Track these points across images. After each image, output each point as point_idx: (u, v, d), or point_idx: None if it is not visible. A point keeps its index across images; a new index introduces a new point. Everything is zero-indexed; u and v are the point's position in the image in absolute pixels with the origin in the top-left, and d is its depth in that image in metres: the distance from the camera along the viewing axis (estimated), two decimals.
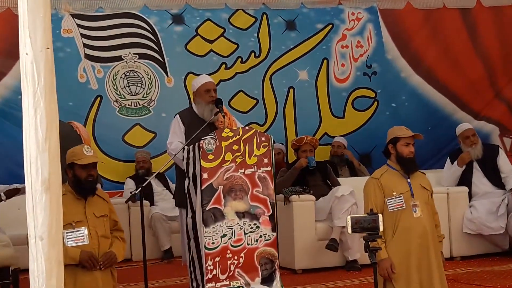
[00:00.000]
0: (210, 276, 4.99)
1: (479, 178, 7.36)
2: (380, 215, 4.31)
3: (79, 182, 4.58)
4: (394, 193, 4.73)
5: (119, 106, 8.94)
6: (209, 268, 4.99)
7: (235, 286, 5.05)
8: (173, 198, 6.40)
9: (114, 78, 8.94)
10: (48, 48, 2.31)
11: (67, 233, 4.42)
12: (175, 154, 5.53)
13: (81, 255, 4.41)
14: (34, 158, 2.30)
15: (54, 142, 2.32)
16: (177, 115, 5.89)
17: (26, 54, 2.30)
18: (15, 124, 7.84)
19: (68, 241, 4.42)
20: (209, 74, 6.92)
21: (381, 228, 4.29)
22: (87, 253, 4.43)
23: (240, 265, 5.08)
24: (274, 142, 5.82)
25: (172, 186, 8.26)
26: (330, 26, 9.82)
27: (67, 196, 4.55)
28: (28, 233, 2.33)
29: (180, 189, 5.58)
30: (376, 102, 9.94)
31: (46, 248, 2.31)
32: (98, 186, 4.87)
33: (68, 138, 6.39)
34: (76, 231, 4.45)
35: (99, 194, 4.71)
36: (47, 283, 2.33)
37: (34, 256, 2.32)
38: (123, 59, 9.00)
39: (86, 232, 4.47)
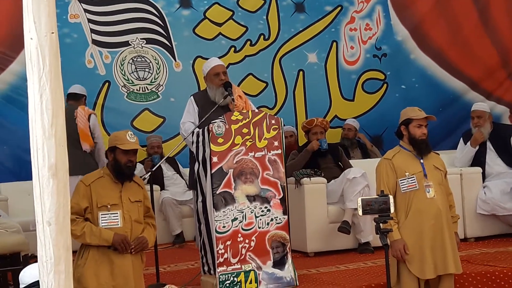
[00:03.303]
0: (221, 260, 4.99)
1: (492, 158, 7.30)
2: (391, 197, 4.32)
3: (119, 166, 4.70)
4: (407, 173, 4.74)
5: (127, 92, 8.91)
6: (220, 252, 4.99)
7: (247, 269, 5.06)
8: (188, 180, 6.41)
9: (122, 63, 8.90)
10: (52, 33, 2.29)
11: (102, 214, 4.59)
12: (185, 137, 5.52)
13: (115, 237, 4.54)
14: (41, 144, 2.29)
15: (60, 128, 2.31)
16: (192, 96, 5.91)
17: (31, 39, 2.28)
18: (23, 110, 7.82)
19: (102, 223, 4.58)
20: (218, 58, 6.85)
21: (392, 210, 4.30)
22: (120, 236, 4.56)
23: (252, 248, 5.08)
24: (284, 125, 5.80)
25: (183, 170, 8.26)
26: (339, 8, 9.76)
27: (105, 179, 4.71)
28: (35, 218, 2.32)
29: (193, 171, 5.55)
30: (385, 84, 9.90)
31: (54, 233, 2.30)
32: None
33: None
34: (111, 213, 4.60)
35: (135, 180, 4.82)
36: (56, 268, 2.30)
37: (42, 242, 2.31)
38: (130, 44, 8.97)
39: (120, 216, 4.60)
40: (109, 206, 4.60)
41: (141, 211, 4.76)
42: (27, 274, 3.22)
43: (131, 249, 4.58)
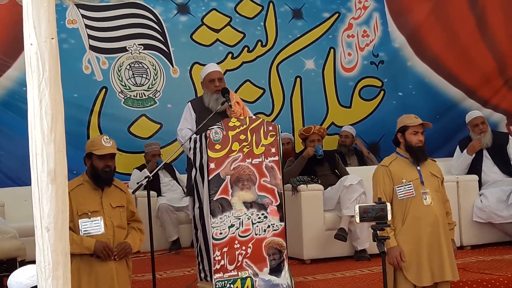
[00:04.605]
0: (218, 266, 4.99)
1: (489, 166, 7.32)
2: (388, 204, 4.31)
3: (96, 172, 4.63)
4: (404, 180, 4.72)
5: (125, 98, 8.91)
6: (217, 258, 4.98)
7: (243, 276, 5.05)
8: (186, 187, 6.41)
9: (119, 69, 8.91)
10: (52, 38, 2.29)
11: (82, 222, 4.52)
12: (183, 144, 5.52)
13: (96, 245, 4.48)
14: (40, 149, 2.28)
15: (59, 133, 2.30)
16: (189, 103, 5.92)
17: (31, 44, 2.28)
18: (19, 116, 7.82)
19: (83, 231, 4.51)
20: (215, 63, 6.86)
21: (389, 217, 4.29)
22: (102, 243, 4.49)
23: (248, 255, 5.07)
24: (281, 132, 5.80)
25: (180, 176, 8.26)
26: (337, 15, 9.78)
27: (84, 186, 4.64)
28: (34, 224, 2.30)
29: (190, 178, 5.55)
30: (382, 91, 9.92)
31: (52, 239, 2.29)
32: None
33: None
34: (92, 221, 4.53)
35: (116, 184, 4.76)
36: (54, 274, 2.31)
37: (40, 247, 2.30)
38: (128, 50, 8.97)
39: (102, 222, 4.54)
40: (89, 214, 4.52)
41: (124, 216, 4.69)
42: (13, 283, 3.18)
43: (114, 256, 4.52)
